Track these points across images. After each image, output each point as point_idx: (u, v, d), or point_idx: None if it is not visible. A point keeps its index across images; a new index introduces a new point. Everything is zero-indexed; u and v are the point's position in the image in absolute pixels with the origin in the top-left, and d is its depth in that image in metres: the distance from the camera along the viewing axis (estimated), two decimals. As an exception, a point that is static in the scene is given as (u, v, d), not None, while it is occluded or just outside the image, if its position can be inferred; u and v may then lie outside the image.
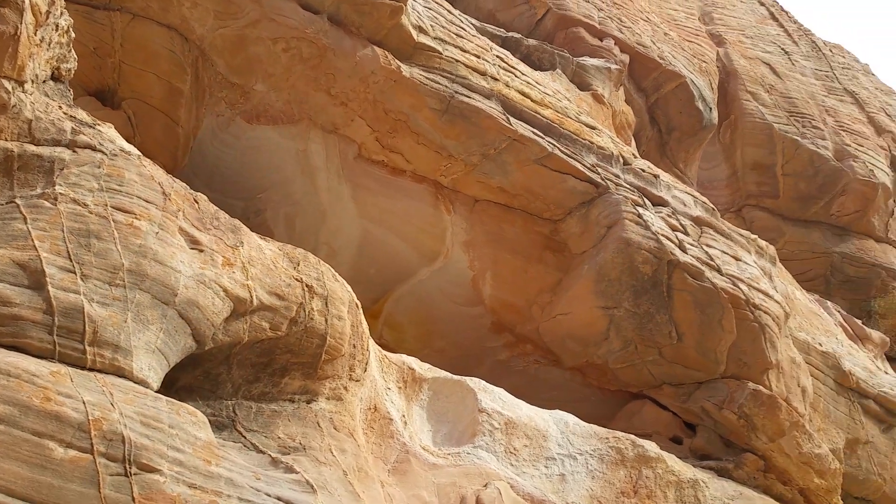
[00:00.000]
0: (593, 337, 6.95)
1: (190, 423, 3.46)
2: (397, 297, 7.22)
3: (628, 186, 7.16)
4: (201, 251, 4.05)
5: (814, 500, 6.59)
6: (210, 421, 4.06)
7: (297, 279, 4.35)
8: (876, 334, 10.48)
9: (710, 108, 11.20)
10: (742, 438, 6.52)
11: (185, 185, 4.39)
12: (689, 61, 11.33)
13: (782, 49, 13.42)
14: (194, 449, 3.40)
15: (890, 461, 7.95)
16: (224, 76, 6.38)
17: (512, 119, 6.73)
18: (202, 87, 6.47)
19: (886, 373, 9.50)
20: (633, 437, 5.89)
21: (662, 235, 6.84)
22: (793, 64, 13.31)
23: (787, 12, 14.63)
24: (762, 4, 14.34)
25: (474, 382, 5.62)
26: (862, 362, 8.67)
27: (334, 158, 6.53)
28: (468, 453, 5.22)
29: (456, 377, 5.62)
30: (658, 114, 11.15)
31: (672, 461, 5.90)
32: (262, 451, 4.03)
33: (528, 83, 7.28)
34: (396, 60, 6.24)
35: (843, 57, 15.00)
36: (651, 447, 5.86)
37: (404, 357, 5.51)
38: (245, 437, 4.13)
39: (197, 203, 4.33)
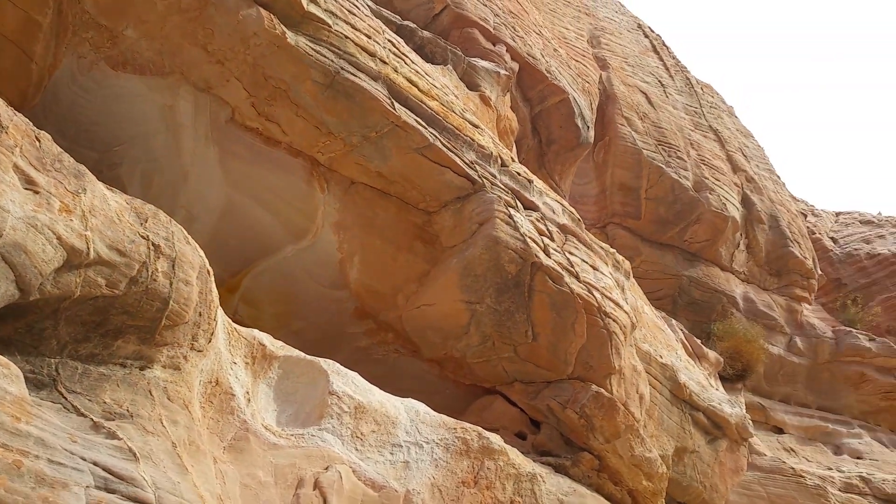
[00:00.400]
0: (454, 330, 7.02)
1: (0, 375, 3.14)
2: (258, 273, 6.96)
3: (503, 187, 7.30)
4: (37, 193, 3.70)
5: (640, 501, 6.98)
6: (28, 378, 3.71)
7: (143, 236, 4.06)
8: (712, 354, 11.31)
9: (588, 127, 11.67)
10: (581, 438, 6.80)
11: (27, 120, 4.00)
12: (574, 80, 11.75)
13: (659, 81, 14.22)
14: (2, 404, 3.09)
15: (711, 471, 8.58)
16: (92, 16, 5.89)
17: (397, 104, 6.67)
18: (65, 24, 5.94)
19: (717, 389, 10.27)
20: (480, 429, 5.99)
21: (530, 238, 7.02)
22: (667, 96, 14.13)
23: (668, 47, 15.54)
24: (646, 37, 15.14)
25: (328, 364, 5.50)
26: (696, 377, 9.30)
27: (203, 119, 6.19)
28: (312, 435, 5.09)
29: (309, 357, 5.48)
30: (540, 125, 11.49)
31: (514, 455, 6.04)
32: (83, 415, 3.72)
33: (418, 72, 7.26)
34: (282, 26, 6.01)
35: (712, 97, 16.12)
36: (496, 440, 5.98)
37: (256, 332, 5.30)
38: (66, 399, 3.80)
39: (38, 141, 3.95)
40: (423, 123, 6.85)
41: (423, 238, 7.22)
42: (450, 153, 6.93)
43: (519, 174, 7.70)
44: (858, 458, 12.57)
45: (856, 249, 19.31)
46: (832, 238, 19.73)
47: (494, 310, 6.85)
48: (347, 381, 5.49)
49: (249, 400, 4.95)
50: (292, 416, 5.29)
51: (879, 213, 21.96)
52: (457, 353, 7.09)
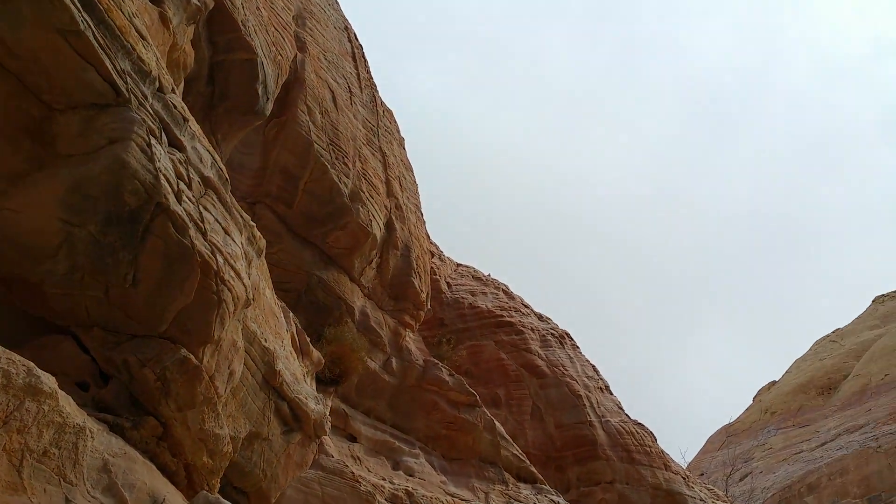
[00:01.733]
0: (39, 249, 5.96)
1: None
2: None
3: (152, 113, 6.52)
4: None
5: (195, 478, 6.63)
6: None
7: None
8: (316, 354, 11.55)
9: (269, 99, 11.29)
10: (152, 401, 6.25)
11: None
12: (268, 46, 11.31)
13: (349, 87, 14.49)
14: None
15: (277, 461, 8.61)
16: None
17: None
18: None
19: (310, 386, 10.47)
20: (32, 365, 5.10)
21: (164, 176, 6.35)
22: (352, 104, 14.44)
23: (366, 60, 15.99)
24: (350, 41, 15.39)
25: None
26: (294, 370, 9.36)
27: None
28: None
29: None
30: (219, 76, 10.75)
31: (66, 403, 5.26)
32: None
33: (91, -51, 6.16)
34: None
35: (390, 123, 16.97)
36: (49, 382, 5.15)
37: None
38: None
39: None
40: (79, 5, 5.82)
41: (35, 135, 6.06)
42: (101, 51, 5.97)
43: (175, 107, 6.99)
44: (411, 475, 13.91)
45: (462, 298, 21.86)
46: (448, 283, 22.06)
47: (96, 240, 6.00)
48: None
49: None
50: None
51: (489, 275, 25.31)
52: (33, 278, 6.02)
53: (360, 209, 13.61)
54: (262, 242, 8.50)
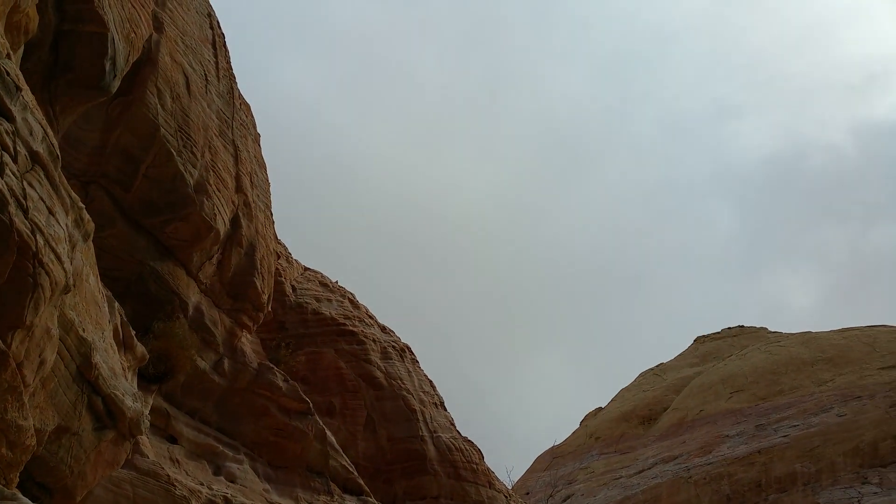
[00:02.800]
0: None
1: None
2: None
3: (-23, 75, 6.03)
4: None
5: (-12, 471, 6.11)
6: None
7: None
8: (140, 349, 11.00)
9: (115, 76, 10.69)
10: (-56, 385, 5.71)
11: None
12: (122, 22, 10.74)
13: (206, 75, 14.02)
14: None
15: (86, 458, 8.11)
16: None
17: None
18: None
19: (130, 382, 9.96)
20: None
21: (-15, 144, 5.88)
22: (207, 92, 13.97)
23: (227, 49, 15.54)
24: (212, 28, 14.90)
25: None
26: (113, 364, 8.87)
27: None
28: None
29: None
30: (63, 45, 10.05)
31: None
32: None
33: None
34: None
35: (247, 117, 16.56)
36: None
37: None
38: None
39: None
40: None
41: None
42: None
43: (8, 74, 6.49)
44: (232, 481, 13.52)
45: (307, 303, 21.62)
46: (293, 286, 21.73)
47: None
48: None
49: None
50: None
51: (336, 282, 25.21)
52: None
53: (205, 202, 13.16)
54: (91, 226, 8.04)
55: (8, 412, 6.12)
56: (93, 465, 8.19)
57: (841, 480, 41.68)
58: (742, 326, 68.41)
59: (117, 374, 8.68)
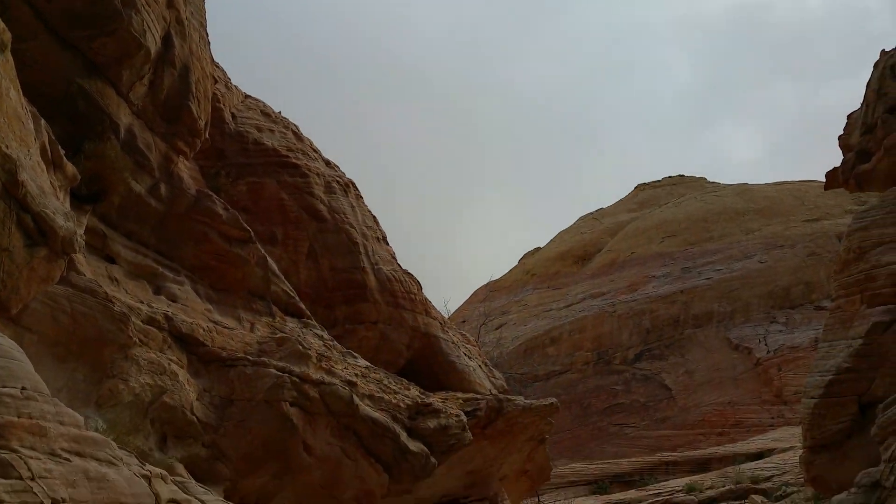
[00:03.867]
0: None
1: None
2: None
3: None
4: None
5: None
6: None
7: None
8: (71, 168, 10.80)
9: None
10: None
11: None
12: None
13: None
14: None
15: (19, 273, 8.21)
16: None
17: None
18: None
19: (61, 202, 9.88)
20: None
21: None
22: None
23: None
24: None
25: None
26: (42, 182, 8.75)
27: None
28: None
29: None
30: None
31: None
32: None
33: None
34: None
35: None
36: None
37: None
38: None
39: None
40: None
41: None
42: None
43: None
44: (173, 300, 13.88)
45: (247, 132, 21.14)
46: (233, 114, 21.12)
47: None
48: None
49: None
50: None
51: (280, 112, 24.52)
52: None
53: (134, 16, 12.37)
54: (7, 36, 7.61)
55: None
56: (26, 281, 8.31)
57: (752, 319, 45.34)
58: (682, 176, 70.31)
59: (47, 192, 8.59)
